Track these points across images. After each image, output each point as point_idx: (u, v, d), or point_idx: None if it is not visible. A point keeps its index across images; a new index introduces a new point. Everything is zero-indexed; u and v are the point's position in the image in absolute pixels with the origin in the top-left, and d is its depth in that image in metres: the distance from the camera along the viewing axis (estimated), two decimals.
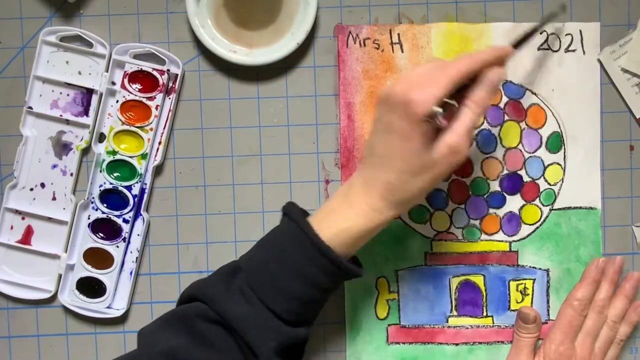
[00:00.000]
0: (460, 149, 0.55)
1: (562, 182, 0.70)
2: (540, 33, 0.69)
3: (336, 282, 0.59)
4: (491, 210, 0.70)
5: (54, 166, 0.69)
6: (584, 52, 0.69)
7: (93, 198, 0.69)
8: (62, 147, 0.69)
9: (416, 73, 0.57)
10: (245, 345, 0.57)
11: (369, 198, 0.58)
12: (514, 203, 0.70)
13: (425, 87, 0.55)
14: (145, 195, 0.69)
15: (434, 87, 0.55)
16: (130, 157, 0.68)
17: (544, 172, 0.70)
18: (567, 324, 0.67)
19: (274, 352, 0.57)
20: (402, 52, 0.69)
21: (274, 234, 0.60)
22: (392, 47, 0.69)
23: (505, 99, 0.69)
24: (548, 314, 0.70)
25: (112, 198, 0.69)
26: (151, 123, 0.68)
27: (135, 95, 0.68)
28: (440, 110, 0.54)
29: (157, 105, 0.68)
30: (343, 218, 0.58)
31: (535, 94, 0.70)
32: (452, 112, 0.57)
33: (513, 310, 0.70)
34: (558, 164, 0.70)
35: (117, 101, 0.68)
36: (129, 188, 0.68)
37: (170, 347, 0.56)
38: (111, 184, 0.68)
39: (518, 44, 0.63)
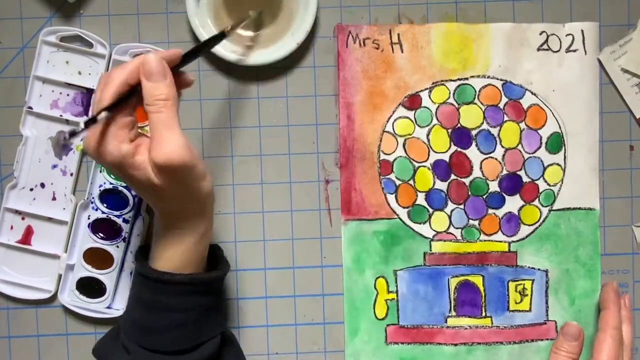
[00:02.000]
0: (176, 158, 0.53)
1: (562, 182, 0.70)
2: (540, 34, 0.69)
3: (201, 295, 0.60)
4: (490, 211, 0.70)
5: (54, 166, 0.69)
6: (585, 52, 0.69)
7: (93, 198, 0.69)
8: (62, 147, 0.69)
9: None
10: None
11: (163, 225, 0.59)
12: (513, 203, 0.70)
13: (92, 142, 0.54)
14: None
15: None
16: None
17: (543, 173, 0.70)
18: (613, 355, 0.64)
19: None
20: (402, 52, 0.69)
21: (132, 284, 0.62)
22: (392, 47, 0.69)
23: (505, 99, 0.69)
24: (547, 315, 0.70)
25: (112, 198, 0.69)
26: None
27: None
28: (102, 116, 0.51)
29: None
30: (164, 248, 0.59)
31: (535, 94, 0.69)
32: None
33: (512, 311, 0.70)
34: (558, 164, 0.70)
35: None
36: (129, 188, 0.68)
37: None
38: (111, 184, 0.68)
39: (189, 53, 0.58)
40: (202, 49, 0.62)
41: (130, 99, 0.54)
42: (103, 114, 0.52)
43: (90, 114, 0.56)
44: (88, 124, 0.51)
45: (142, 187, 0.55)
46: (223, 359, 0.63)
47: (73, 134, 0.51)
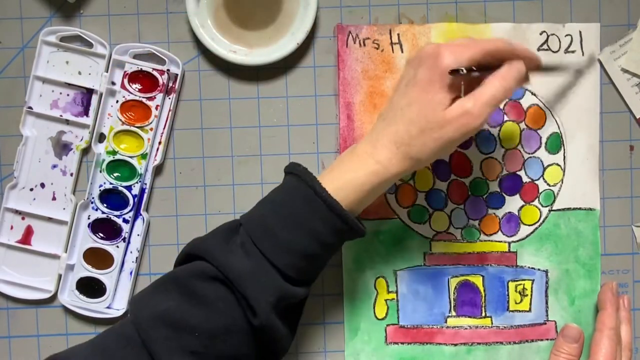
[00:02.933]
0: (473, 115, 0.55)
1: (562, 183, 0.70)
2: (540, 34, 0.69)
3: (340, 239, 0.59)
4: (490, 211, 0.70)
5: (54, 166, 0.69)
6: (582, 54, 0.69)
7: (93, 198, 0.69)
8: (62, 147, 0.69)
9: (450, 41, 0.59)
10: (244, 300, 0.56)
11: (374, 149, 0.58)
12: (513, 204, 0.70)
13: (458, 47, 0.57)
14: (145, 195, 0.69)
15: (467, 49, 0.56)
16: (130, 157, 0.68)
17: (543, 173, 0.70)
18: (609, 356, 0.65)
19: (272, 309, 0.56)
20: (402, 52, 0.69)
21: (276, 191, 0.60)
22: (392, 47, 0.69)
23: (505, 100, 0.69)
24: (547, 315, 0.70)
25: (112, 198, 0.69)
26: (151, 123, 0.68)
27: (135, 95, 0.68)
28: (464, 70, 0.55)
29: (157, 105, 0.68)
30: (347, 169, 0.59)
31: (534, 94, 0.69)
32: (473, 87, 0.57)
33: (512, 311, 0.70)
34: (557, 164, 0.70)
35: (117, 101, 0.68)
36: (129, 188, 0.68)
37: (162, 310, 0.56)
38: (111, 184, 0.68)
39: (547, 68, 0.65)
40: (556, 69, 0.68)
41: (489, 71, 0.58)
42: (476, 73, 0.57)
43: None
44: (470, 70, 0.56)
45: (433, 106, 0.56)
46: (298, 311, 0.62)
47: (454, 72, 0.56)
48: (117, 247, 0.69)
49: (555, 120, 0.70)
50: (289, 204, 0.58)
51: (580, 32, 0.69)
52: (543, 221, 0.70)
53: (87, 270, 0.69)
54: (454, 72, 0.55)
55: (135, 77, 0.68)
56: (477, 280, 0.70)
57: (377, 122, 0.60)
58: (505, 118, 0.69)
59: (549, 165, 0.70)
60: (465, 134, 0.56)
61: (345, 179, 0.58)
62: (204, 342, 0.56)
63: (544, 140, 0.69)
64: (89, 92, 0.69)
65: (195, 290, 0.56)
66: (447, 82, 0.56)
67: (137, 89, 0.68)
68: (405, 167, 0.58)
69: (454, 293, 0.70)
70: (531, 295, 0.70)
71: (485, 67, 0.58)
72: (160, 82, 0.68)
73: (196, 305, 0.56)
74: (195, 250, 0.58)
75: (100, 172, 0.69)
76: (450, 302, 0.70)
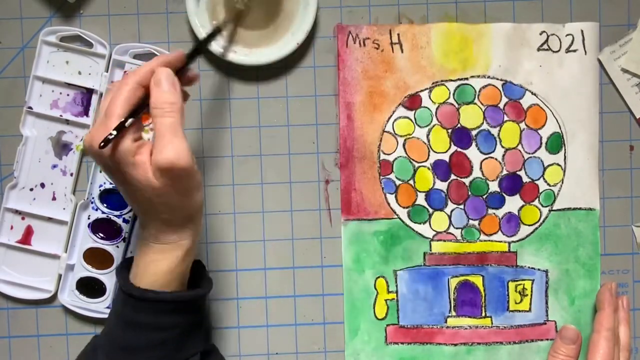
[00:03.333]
0: (177, 162, 0.53)
1: (562, 183, 0.70)
2: (540, 34, 0.69)
3: (181, 313, 0.59)
4: (490, 211, 0.70)
5: (54, 166, 0.69)
6: (585, 52, 0.69)
7: (93, 198, 0.69)
8: (62, 147, 0.69)
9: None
10: None
11: (154, 240, 0.58)
12: (513, 204, 0.70)
13: (102, 124, 0.54)
14: None
15: (110, 120, 0.53)
16: None
17: (543, 173, 0.70)
18: (606, 356, 0.65)
19: None
20: (402, 52, 0.69)
21: (113, 303, 0.62)
22: (392, 47, 0.69)
23: (505, 100, 0.69)
24: (547, 315, 0.70)
25: (112, 198, 0.69)
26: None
27: None
28: (112, 134, 0.53)
29: None
30: (146, 262, 0.58)
31: (535, 94, 0.69)
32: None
33: (512, 311, 0.70)
34: (558, 164, 0.70)
35: None
36: None
37: None
38: (111, 184, 0.68)
39: (192, 53, 0.60)
40: (201, 47, 0.63)
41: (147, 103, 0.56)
42: (130, 120, 0.54)
43: (98, 115, 0.56)
44: (120, 129, 0.53)
45: (136, 189, 0.54)
46: None
47: (107, 141, 0.52)
48: (117, 247, 0.69)
49: (556, 120, 0.70)
50: (117, 310, 0.59)
51: (582, 30, 0.69)
52: (543, 221, 0.70)
53: (87, 270, 0.69)
54: (106, 142, 0.53)
55: None
56: (477, 280, 0.70)
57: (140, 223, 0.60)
58: (505, 118, 0.69)
59: (549, 165, 0.70)
60: (190, 175, 0.55)
61: (152, 271, 0.58)
62: None
63: (544, 140, 0.69)
64: (89, 92, 0.69)
65: None
66: (131, 158, 0.54)
67: None
68: (193, 229, 0.58)
69: (454, 293, 0.70)
70: (531, 295, 0.70)
71: (140, 104, 0.56)
72: None
73: None
74: None
75: (100, 172, 0.69)
76: (450, 302, 0.70)
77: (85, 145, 0.55)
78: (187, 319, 0.59)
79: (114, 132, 0.52)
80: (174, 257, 0.58)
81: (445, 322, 0.70)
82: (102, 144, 0.52)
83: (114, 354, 0.58)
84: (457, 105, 0.69)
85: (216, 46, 0.68)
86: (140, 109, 0.55)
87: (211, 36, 0.64)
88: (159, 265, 0.57)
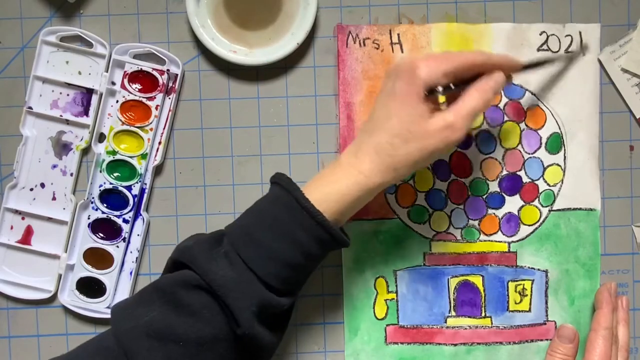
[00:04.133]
0: (455, 127, 0.57)
1: (562, 183, 0.70)
2: (540, 34, 0.69)
3: (323, 250, 0.59)
4: (490, 211, 0.70)
5: (54, 166, 0.69)
6: (583, 54, 0.69)
7: (93, 198, 0.69)
8: (62, 147, 0.69)
9: (428, 53, 0.60)
10: (227, 309, 0.55)
11: (358, 160, 0.58)
12: (513, 204, 0.70)
13: (433, 60, 0.58)
14: (145, 195, 0.69)
15: (443, 62, 0.58)
16: (130, 157, 0.68)
17: (543, 173, 0.70)
18: (604, 355, 0.66)
19: (255, 319, 0.56)
20: (402, 52, 0.69)
21: (261, 202, 0.60)
22: (392, 47, 0.69)
23: (505, 100, 0.69)
24: (546, 315, 0.70)
25: (112, 198, 0.69)
26: (151, 123, 0.68)
27: (135, 95, 0.68)
28: (440, 89, 0.57)
29: (157, 105, 0.68)
30: (330, 180, 0.59)
31: (534, 94, 0.69)
32: (454, 98, 0.59)
33: (512, 311, 0.70)
34: (558, 165, 0.70)
35: (117, 101, 0.68)
36: (129, 188, 0.68)
37: (145, 321, 0.55)
38: (111, 184, 0.68)
39: (530, 65, 0.65)
40: (542, 64, 0.67)
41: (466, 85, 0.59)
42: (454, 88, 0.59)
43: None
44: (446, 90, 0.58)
45: (414, 119, 0.57)
46: (284, 320, 0.62)
47: (432, 92, 0.58)
48: (117, 247, 0.69)
49: (556, 121, 0.70)
50: (272, 213, 0.58)
51: (580, 32, 0.69)
52: (543, 221, 0.70)
53: (87, 270, 0.69)
54: (432, 92, 0.57)
55: (135, 77, 0.68)
56: (477, 280, 0.70)
57: (359, 134, 0.61)
58: (505, 118, 0.69)
59: (549, 166, 0.70)
60: (447, 145, 0.57)
61: (329, 189, 0.58)
62: (189, 351, 0.55)
63: (544, 140, 0.69)
64: (89, 92, 0.69)
65: (180, 300, 0.56)
66: (424, 94, 0.57)
67: (137, 89, 0.68)
68: (388, 178, 0.58)
69: (453, 293, 0.70)
70: (531, 295, 0.70)
71: (461, 80, 0.59)
72: (160, 82, 0.68)
73: (181, 315, 0.56)
74: (181, 258, 0.58)
75: (100, 172, 0.69)
76: (450, 302, 0.70)
77: (414, 62, 0.58)
78: (322, 258, 0.60)
79: (440, 90, 0.58)
80: (352, 189, 0.58)
81: (445, 322, 0.70)
82: (427, 92, 0.57)
83: (249, 253, 0.57)
84: None
85: (223, 50, 0.68)
86: (463, 85, 0.59)
87: (544, 62, 0.67)
88: (334, 189, 0.58)
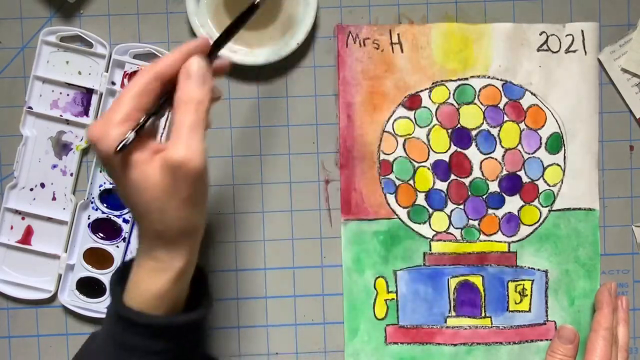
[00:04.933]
0: (186, 160, 0.48)
1: (562, 183, 0.70)
2: (540, 34, 0.69)
3: (174, 339, 0.53)
4: (490, 211, 0.70)
5: (54, 166, 0.69)
6: (585, 53, 0.69)
7: (93, 198, 0.69)
8: (62, 147, 0.69)
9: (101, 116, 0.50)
10: None
11: (147, 257, 0.52)
12: (513, 204, 0.70)
13: (101, 120, 0.49)
14: None
15: (110, 114, 0.49)
16: None
17: (543, 173, 0.70)
18: (604, 356, 0.66)
19: None
20: (402, 52, 0.69)
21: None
22: (392, 47, 0.69)
23: (505, 100, 0.69)
24: (547, 315, 0.70)
25: (112, 198, 0.69)
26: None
27: None
28: (130, 138, 0.48)
29: None
30: (138, 281, 0.53)
31: (534, 94, 0.69)
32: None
33: (512, 311, 0.70)
34: (558, 165, 0.70)
35: None
36: None
37: None
38: (111, 183, 0.68)
39: (221, 38, 0.55)
40: (233, 29, 0.56)
41: (167, 104, 0.52)
42: (149, 120, 0.50)
43: (120, 109, 0.49)
44: (138, 131, 0.49)
45: (135, 189, 0.50)
46: None
47: (124, 147, 0.48)
48: (117, 247, 0.69)
49: (556, 120, 0.70)
50: (113, 333, 0.53)
51: (582, 31, 0.69)
52: (543, 221, 0.70)
53: (87, 270, 0.69)
54: (122, 148, 0.48)
55: None
56: (477, 281, 0.70)
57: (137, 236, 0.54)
58: (505, 118, 0.69)
59: (549, 166, 0.70)
60: (196, 180, 0.49)
61: (143, 292, 0.52)
62: None
63: (544, 140, 0.69)
64: (89, 92, 0.69)
65: None
66: (132, 159, 0.49)
67: None
68: (188, 247, 0.52)
69: (453, 293, 0.70)
70: (531, 295, 0.70)
71: (160, 102, 0.51)
72: None
73: None
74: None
75: (100, 172, 0.69)
76: (450, 302, 0.70)
77: (87, 138, 0.51)
78: (180, 343, 0.53)
79: (131, 137, 0.48)
80: (165, 280, 0.51)
81: (445, 322, 0.70)
82: (117, 148, 0.48)
83: None
84: (457, 106, 0.69)
85: (223, 50, 0.68)
86: (159, 105, 0.51)
87: (245, 15, 0.56)
88: (149, 287, 0.51)
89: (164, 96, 0.51)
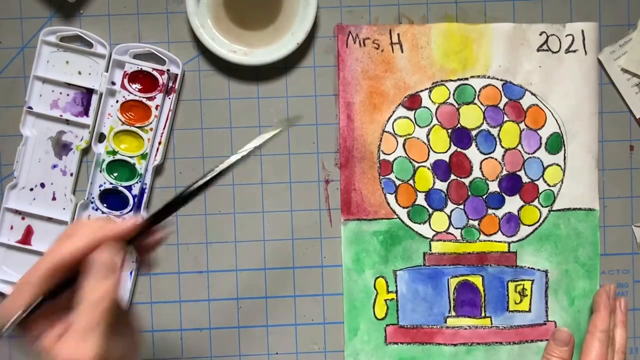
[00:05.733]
0: (81, 355, 0.45)
1: (562, 183, 0.70)
2: (540, 34, 0.69)
3: None
4: (490, 211, 0.70)
5: (54, 166, 0.69)
6: (585, 53, 0.69)
7: (93, 198, 0.69)
8: (62, 147, 0.69)
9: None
10: None
11: None
12: (513, 204, 0.70)
13: (1, 306, 0.47)
14: (145, 195, 0.69)
15: (12, 302, 0.46)
16: (130, 157, 0.68)
17: (543, 173, 0.70)
18: (599, 358, 0.66)
19: None
20: (402, 52, 0.69)
21: None
22: (392, 47, 0.69)
23: (505, 100, 0.69)
24: (546, 315, 0.70)
25: (112, 198, 0.69)
26: (151, 123, 0.68)
27: (135, 95, 0.68)
28: (10, 321, 0.46)
29: (157, 105, 0.68)
30: None
31: (534, 94, 0.69)
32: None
33: (512, 311, 0.70)
34: (557, 165, 0.70)
35: (117, 101, 0.68)
36: (129, 188, 0.68)
37: None
38: (111, 184, 0.69)
39: (159, 213, 0.52)
40: (160, 216, 0.52)
41: (65, 289, 0.48)
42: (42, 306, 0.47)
43: None
44: (30, 314, 0.46)
45: None
46: None
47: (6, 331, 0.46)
48: None
49: (556, 120, 0.70)
50: None
51: (582, 31, 0.69)
52: (543, 221, 0.70)
53: None
54: (8, 329, 0.46)
55: (135, 77, 0.68)
56: (477, 281, 0.70)
57: None
58: (505, 118, 0.69)
59: (548, 166, 0.70)
60: None
61: None
62: None
63: (544, 140, 0.69)
64: (89, 92, 0.69)
65: None
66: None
67: (137, 89, 0.68)
68: None
69: (453, 293, 0.70)
70: (531, 295, 0.70)
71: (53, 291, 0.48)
72: (160, 82, 0.68)
73: None
74: None
75: (100, 172, 0.69)
76: (449, 302, 0.70)
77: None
78: None
79: (11, 320, 0.45)
80: None
81: (445, 322, 0.70)
82: (3, 331, 0.45)
83: None
84: (457, 105, 0.69)
85: (223, 50, 0.68)
86: (55, 292, 0.47)
87: (176, 204, 0.52)
88: None
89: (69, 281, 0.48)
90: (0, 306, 0.46)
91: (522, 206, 0.70)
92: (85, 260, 0.47)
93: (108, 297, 0.46)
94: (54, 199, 0.69)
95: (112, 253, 0.47)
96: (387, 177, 0.70)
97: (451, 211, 0.70)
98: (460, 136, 0.69)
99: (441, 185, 0.70)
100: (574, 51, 0.70)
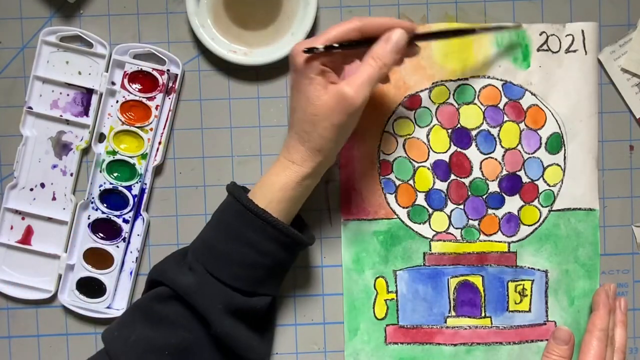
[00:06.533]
0: (350, 96, 0.58)
1: (562, 183, 0.70)
2: (540, 34, 0.69)
3: (279, 247, 0.61)
4: (490, 211, 0.70)
5: (54, 166, 0.69)
6: (585, 52, 0.69)
7: (93, 198, 0.69)
8: (62, 147, 0.69)
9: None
10: (197, 313, 0.60)
11: (289, 154, 0.62)
12: (513, 204, 0.70)
13: (311, 39, 0.60)
14: (145, 195, 0.69)
15: (318, 38, 0.60)
16: (130, 157, 0.68)
17: (543, 173, 0.70)
18: (598, 357, 0.66)
19: (224, 318, 0.60)
20: None
21: (216, 213, 0.64)
22: None
23: (504, 100, 0.69)
24: (546, 315, 0.70)
25: (112, 198, 0.69)
26: (151, 123, 0.68)
27: (135, 95, 0.68)
28: (319, 48, 0.58)
29: (157, 105, 0.68)
30: (272, 177, 0.62)
31: (534, 94, 0.69)
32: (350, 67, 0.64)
33: (511, 311, 0.70)
34: (557, 165, 0.70)
35: (117, 101, 0.68)
36: (129, 188, 0.68)
37: (132, 340, 0.59)
38: (111, 184, 0.69)
39: (426, 35, 0.64)
40: (439, 34, 0.65)
41: (358, 46, 0.61)
42: (337, 48, 0.59)
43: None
44: (327, 49, 0.59)
45: (302, 97, 0.60)
46: (266, 322, 0.67)
47: (310, 51, 0.59)
48: (117, 247, 0.69)
49: (556, 120, 0.69)
50: (225, 221, 0.62)
51: (582, 31, 0.69)
52: (543, 221, 0.70)
53: (87, 270, 0.69)
54: (310, 50, 0.59)
55: (135, 77, 0.68)
56: (477, 281, 0.70)
57: (288, 130, 0.64)
58: (505, 118, 0.69)
59: (548, 166, 0.70)
60: (350, 115, 0.59)
61: (270, 187, 0.61)
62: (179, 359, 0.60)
63: (544, 140, 0.69)
64: (89, 92, 0.69)
65: (157, 313, 0.61)
66: (313, 75, 0.59)
67: (137, 89, 0.68)
68: (317, 161, 0.61)
69: (453, 293, 0.70)
70: (531, 295, 0.70)
71: (353, 42, 0.60)
72: (160, 82, 0.68)
73: (161, 327, 0.60)
74: (154, 276, 0.63)
75: (100, 172, 0.69)
76: (449, 302, 0.70)
77: (292, 50, 0.61)
78: (282, 256, 0.62)
79: (321, 48, 0.58)
80: (290, 178, 0.61)
81: (445, 322, 0.70)
82: (306, 49, 0.58)
83: (205, 258, 0.61)
84: (457, 106, 0.69)
85: (223, 50, 0.68)
86: (350, 45, 0.60)
87: (455, 33, 0.66)
88: (274, 182, 0.61)
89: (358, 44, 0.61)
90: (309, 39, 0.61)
91: (522, 206, 0.70)
92: (383, 34, 0.60)
93: (386, 67, 0.60)
94: (54, 199, 0.69)
95: (403, 37, 0.60)
96: (387, 177, 0.70)
97: (451, 211, 0.70)
98: (460, 136, 0.69)
99: (441, 185, 0.70)
100: (574, 51, 0.70)
